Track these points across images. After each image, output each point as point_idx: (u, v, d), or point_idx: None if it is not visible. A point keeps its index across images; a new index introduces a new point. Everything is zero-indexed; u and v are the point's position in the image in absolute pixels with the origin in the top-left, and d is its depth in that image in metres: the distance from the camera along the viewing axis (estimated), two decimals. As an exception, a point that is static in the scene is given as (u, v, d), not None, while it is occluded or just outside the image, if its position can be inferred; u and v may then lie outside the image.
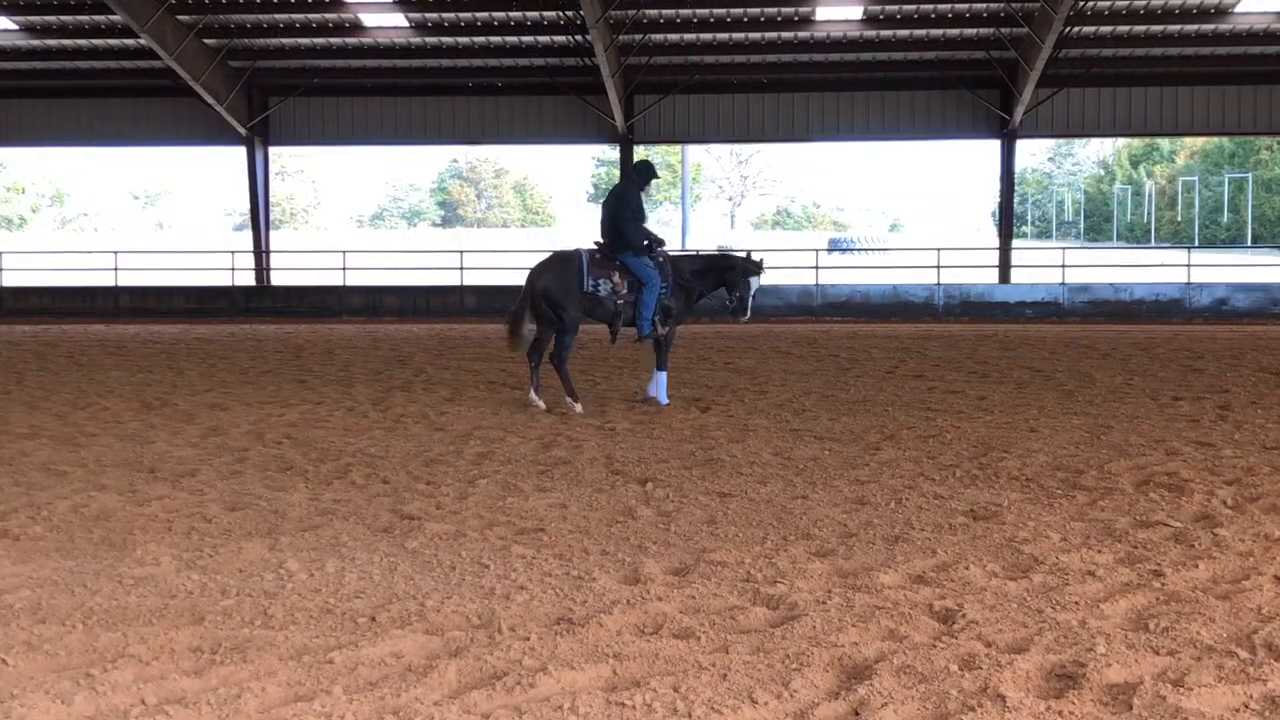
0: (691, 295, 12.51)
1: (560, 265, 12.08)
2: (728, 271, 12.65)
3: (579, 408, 11.66)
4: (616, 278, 11.99)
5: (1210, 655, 4.76)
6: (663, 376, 12.35)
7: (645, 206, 12.52)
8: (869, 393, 13.09)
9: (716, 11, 26.00)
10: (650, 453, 9.43)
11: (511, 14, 26.16)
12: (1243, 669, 4.62)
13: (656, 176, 12.71)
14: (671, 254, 12.59)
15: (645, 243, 12.08)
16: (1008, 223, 31.31)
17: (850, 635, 5.01)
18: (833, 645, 4.89)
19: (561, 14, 25.64)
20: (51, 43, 27.96)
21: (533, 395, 12.00)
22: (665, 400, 12.21)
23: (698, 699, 4.36)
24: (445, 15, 26.33)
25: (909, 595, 5.60)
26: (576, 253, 12.19)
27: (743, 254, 13.25)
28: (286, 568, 6.09)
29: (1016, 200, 46.95)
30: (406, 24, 26.75)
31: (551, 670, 4.61)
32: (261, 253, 31.01)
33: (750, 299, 12.54)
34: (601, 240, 12.18)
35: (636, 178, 12.46)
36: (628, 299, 12.03)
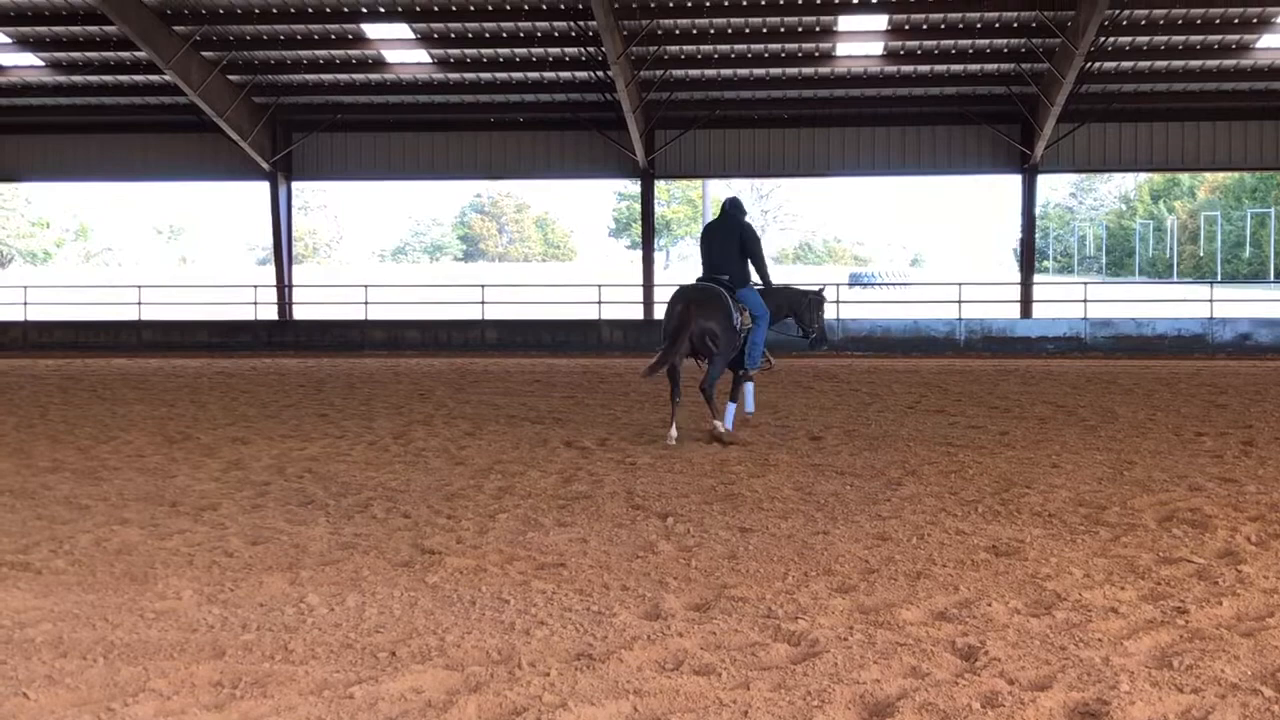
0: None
1: (718, 301, 12.04)
2: (800, 303, 13.17)
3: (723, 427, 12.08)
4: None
5: (1234, 693, 4.72)
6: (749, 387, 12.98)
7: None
8: (890, 427, 13.06)
9: (737, 48, 26.15)
10: (671, 487, 9.42)
11: (533, 50, 26.35)
12: (1267, 707, 4.58)
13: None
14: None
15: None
16: (1029, 257, 31.27)
17: (872, 672, 4.99)
18: (854, 682, 4.86)
19: (583, 50, 25.82)
20: (77, 79, 28.29)
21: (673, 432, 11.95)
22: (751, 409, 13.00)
23: (718, 736, 4.34)
24: (467, 52, 26.56)
25: (931, 632, 5.57)
26: (720, 290, 12.17)
27: (816, 287, 13.84)
28: (307, 602, 6.09)
29: (1038, 235, 46.88)
30: (429, 60, 26.98)
31: (571, 706, 4.60)
32: (284, 287, 31.19)
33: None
34: (717, 274, 12.28)
35: (743, 214, 12.63)
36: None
